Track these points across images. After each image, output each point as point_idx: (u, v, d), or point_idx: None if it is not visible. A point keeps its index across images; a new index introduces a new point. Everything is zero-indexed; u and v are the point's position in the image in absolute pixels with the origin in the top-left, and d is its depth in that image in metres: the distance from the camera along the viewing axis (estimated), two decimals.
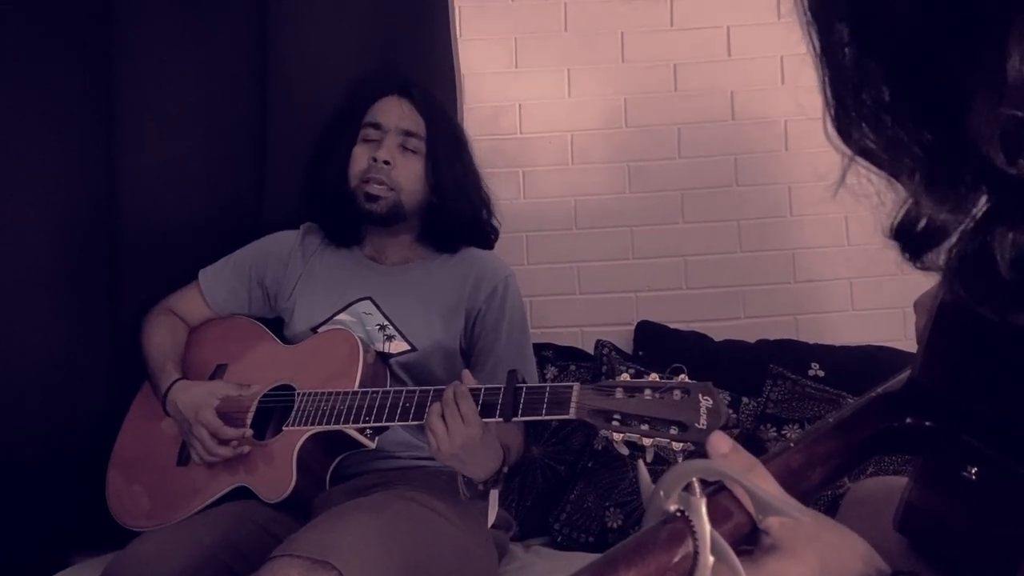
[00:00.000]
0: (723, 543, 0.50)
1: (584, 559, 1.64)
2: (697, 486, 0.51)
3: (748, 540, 0.54)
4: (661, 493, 0.51)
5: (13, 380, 1.58)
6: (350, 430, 1.29)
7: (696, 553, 0.49)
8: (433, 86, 1.75)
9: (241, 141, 1.76)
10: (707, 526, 0.50)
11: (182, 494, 1.38)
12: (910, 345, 0.65)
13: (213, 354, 1.53)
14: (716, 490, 0.53)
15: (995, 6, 0.39)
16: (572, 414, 1.09)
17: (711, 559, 0.49)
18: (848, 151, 0.47)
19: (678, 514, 0.51)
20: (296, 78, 1.77)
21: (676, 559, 0.49)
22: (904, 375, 0.66)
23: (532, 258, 2.03)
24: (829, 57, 0.46)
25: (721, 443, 0.55)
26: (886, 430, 0.64)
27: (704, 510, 0.50)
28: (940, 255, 0.47)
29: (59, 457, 1.59)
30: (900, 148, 0.44)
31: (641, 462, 0.55)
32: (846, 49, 0.45)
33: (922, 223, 0.46)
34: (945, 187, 0.44)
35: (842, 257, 1.99)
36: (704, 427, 1.01)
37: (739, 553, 0.53)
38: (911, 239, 0.47)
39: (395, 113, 1.53)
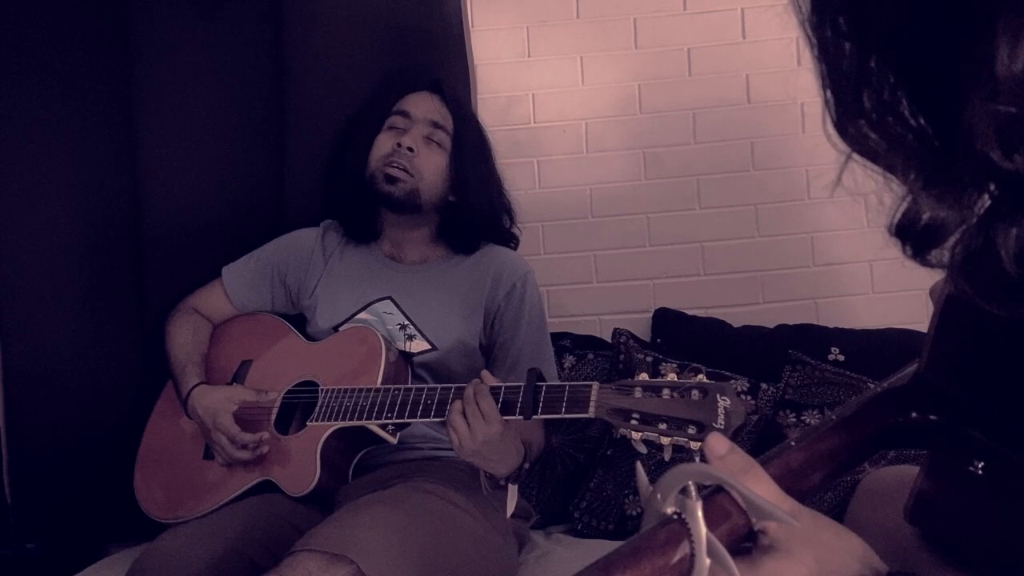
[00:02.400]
0: (719, 546, 0.50)
1: (604, 546, 1.66)
2: (693, 488, 0.52)
3: (747, 539, 0.55)
4: (658, 496, 0.52)
5: (44, 379, 1.63)
6: (372, 426, 1.31)
7: (692, 555, 0.50)
8: (447, 78, 1.76)
9: (260, 139, 1.78)
10: (703, 529, 0.50)
11: (208, 488, 1.41)
12: None
13: (238, 351, 1.56)
14: (713, 491, 0.54)
15: (981, 2, 0.38)
16: (591, 413, 1.10)
17: (707, 561, 0.50)
18: (847, 149, 0.47)
19: (675, 516, 0.52)
20: (312, 74, 1.78)
21: (672, 562, 0.50)
22: (910, 369, 0.66)
23: (548, 247, 2.03)
24: (827, 56, 0.46)
25: (718, 445, 0.55)
26: (891, 425, 0.64)
27: (700, 513, 0.51)
28: (944, 253, 0.47)
29: (93, 451, 1.64)
30: (900, 145, 0.44)
31: (639, 463, 0.56)
32: (845, 46, 0.45)
33: (923, 221, 0.46)
34: (943, 184, 0.44)
35: (862, 239, 1.97)
36: (722, 427, 1.01)
37: (739, 550, 0.54)
38: (913, 237, 0.47)
39: (425, 105, 1.55)
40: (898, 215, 0.48)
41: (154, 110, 1.73)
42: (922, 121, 0.44)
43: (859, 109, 0.45)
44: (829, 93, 0.47)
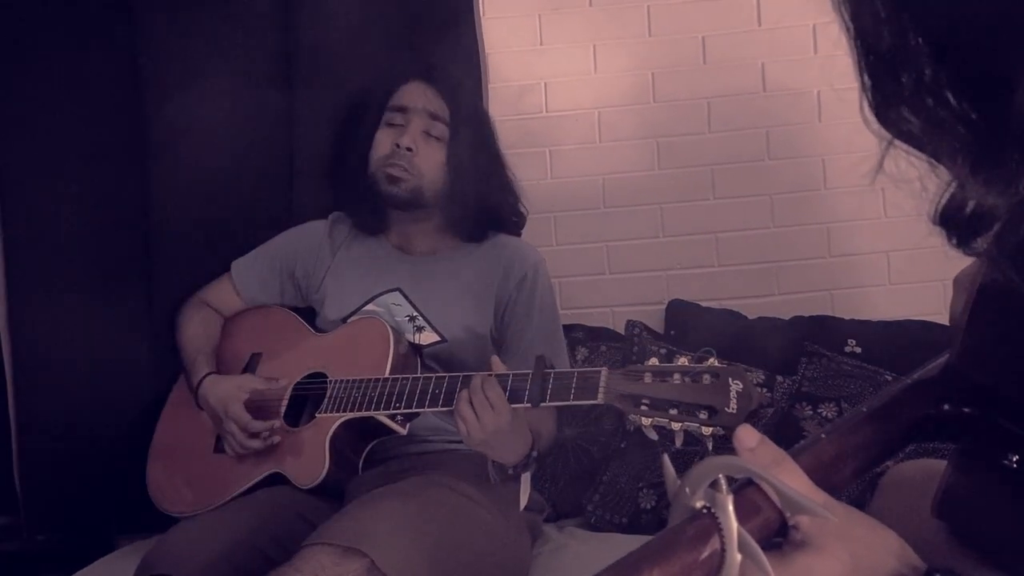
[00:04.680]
0: (750, 540, 0.49)
1: (618, 540, 1.64)
2: (723, 482, 0.50)
3: (778, 533, 0.53)
4: (687, 490, 0.50)
5: (54, 372, 1.63)
6: (381, 416, 1.30)
7: (723, 550, 0.49)
8: (458, 67, 1.74)
9: (269, 130, 1.77)
10: (734, 523, 0.49)
11: (219, 481, 1.41)
12: None
13: (248, 343, 1.55)
14: (743, 484, 0.52)
15: None
16: (600, 399, 1.09)
17: (738, 556, 0.48)
18: (887, 134, 0.45)
19: (704, 511, 0.50)
20: (322, 65, 1.77)
21: (703, 557, 0.49)
22: (940, 360, 0.64)
23: (560, 238, 2.01)
24: (865, 38, 0.44)
25: (748, 437, 0.54)
26: (922, 418, 0.62)
27: (731, 507, 0.49)
28: (988, 240, 0.45)
29: (103, 445, 1.64)
30: (943, 129, 0.42)
31: (666, 457, 0.54)
32: (883, 29, 0.43)
33: (969, 207, 0.44)
34: (992, 168, 0.42)
35: (879, 230, 1.94)
36: (734, 411, 0.99)
37: (769, 545, 0.52)
38: (958, 225, 0.45)
39: (420, 97, 1.52)
40: (943, 202, 0.45)
41: (163, 101, 1.71)
42: (966, 103, 0.42)
43: (898, 92, 0.43)
44: (866, 77, 0.45)
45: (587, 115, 2.02)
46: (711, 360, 1.06)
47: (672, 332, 1.88)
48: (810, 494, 0.52)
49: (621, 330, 1.89)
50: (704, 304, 1.93)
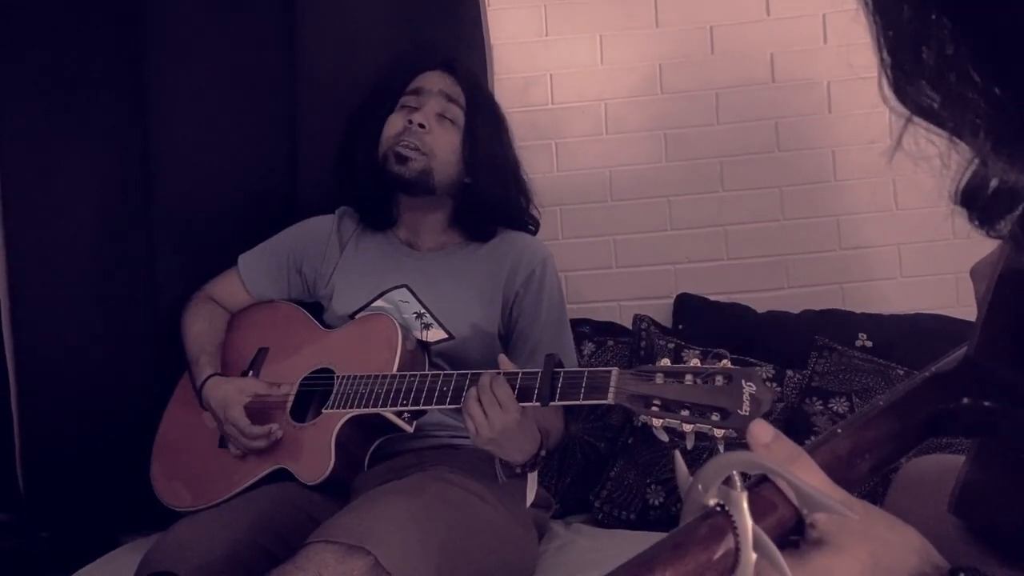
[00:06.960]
0: (765, 539, 0.47)
1: (625, 536, 1.62)
2: (737, 479, 0.48)
3: (794, 531, 0.52)
4: (699, 487, 0.49)
5: (57, 368, 1.62)
6: (388, 413, 1.29)
7: (737, 549, 0.47)
8: (462, 58, 1.73)
9: (272, 126, 1.76)
10: (748, 521, 0.47)
11: (223, 476, 1.40)
12: (962, 312, 0.62)
13: (255, 338, 1.54)
14: (758, 481, 0.51)
15: None
16: (611, 399, 1.07)
17: (753, 556, 0.47)
18: (906, 111, 0.43)
19: (718, 508, 0.48)
20: (326, 57, 1.76)
21: (716, 556, 0.47)
22: (959, 353, 0.63)
23: (567, 232, 1.99)
24: (885, 13, 0.42)
25: (762, 432, 0.52)
26: (941, 411, 0.61)
27: (745, 505, 0.47)
28: (1012, 221, 0.44)
29: (106, 441, 1.63)
30: (965, 105, 0.41)
31: (678, 453, 0.53)
32: (904, 3, 0.41)
33: (992, 186, 0.43)
34: (1016, 144, 0.40)
35: (890, 222, 1.92)
36: (747, 413, 0.98)
37: (785, 544, 0.51)
38: (981, 204, 0.44)
39: (438, 81, 1.51)
40: (964, 180, 0.44)
41: (165, 98, 1.71)
42: (989, 78, 0.40)
43: (919, 68, 0.42)
44: (886, 53, 0.44)
45: (593, 107, 2.00)
46: (724, 361, 1.04)
47: (680, 326, 1.86)
48: (828, 491, 0.50)
49: (628, 324, 1.88)
50: (712, 298, 1.91)
